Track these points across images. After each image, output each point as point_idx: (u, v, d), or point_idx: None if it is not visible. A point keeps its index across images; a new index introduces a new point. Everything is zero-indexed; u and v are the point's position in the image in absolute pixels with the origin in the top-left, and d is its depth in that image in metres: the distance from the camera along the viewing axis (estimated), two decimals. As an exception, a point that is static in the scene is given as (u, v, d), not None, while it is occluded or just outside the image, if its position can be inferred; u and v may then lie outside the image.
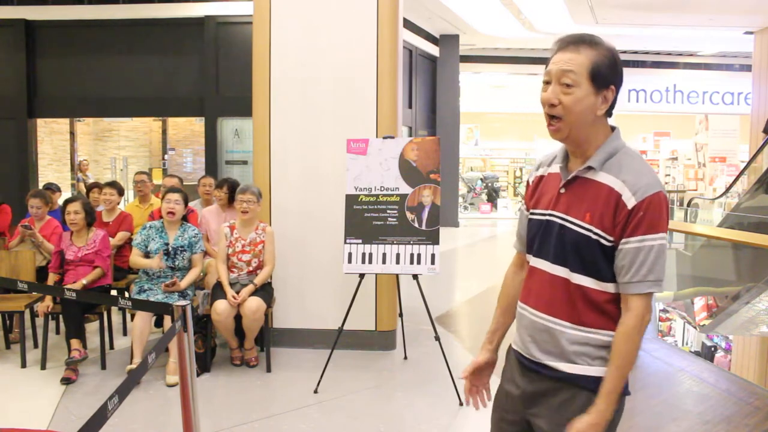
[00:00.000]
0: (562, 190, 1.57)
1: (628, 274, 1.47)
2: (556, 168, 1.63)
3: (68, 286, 3.95)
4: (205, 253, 5.11)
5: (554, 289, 1.56)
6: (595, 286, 1.51)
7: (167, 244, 4.29)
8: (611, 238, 1.48)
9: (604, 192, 1.49)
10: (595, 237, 1.49)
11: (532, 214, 1.66)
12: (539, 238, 1.61)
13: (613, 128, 1.58)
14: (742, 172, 9.38)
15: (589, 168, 1.53)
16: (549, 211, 1.59)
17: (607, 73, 1.49)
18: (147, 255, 4.29)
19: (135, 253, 4.32)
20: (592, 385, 1.51)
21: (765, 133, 9.44)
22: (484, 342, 1.77)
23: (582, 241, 1.51)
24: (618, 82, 1.52)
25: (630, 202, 1.46)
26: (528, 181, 1.74)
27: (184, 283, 4.26)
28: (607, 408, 1.47)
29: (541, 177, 1.68)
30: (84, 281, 4.23)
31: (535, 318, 1.60)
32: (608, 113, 1.55)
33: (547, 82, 1.54)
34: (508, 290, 1.78)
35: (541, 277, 1.60)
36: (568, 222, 1.54)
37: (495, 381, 1.77)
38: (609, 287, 1.51)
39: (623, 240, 1.47)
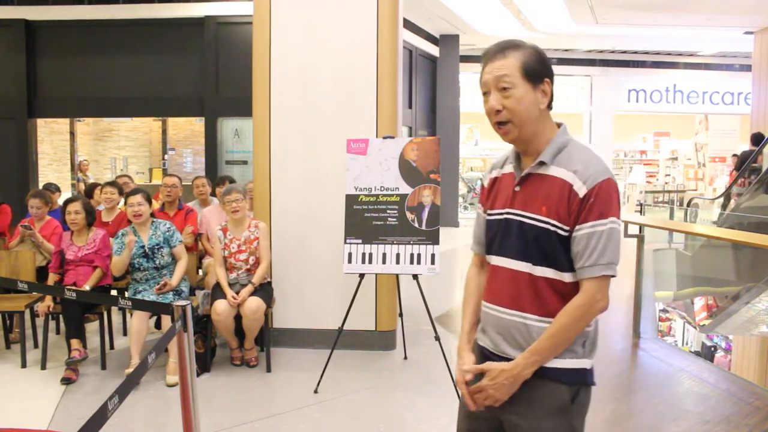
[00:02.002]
0: (517, 188, 1.63)
1: (582, 260, 1.53)
2: (509, 168, 1.69)
3: (69, 287, 3.95)
4: (206, 253, 5.12)
5: (518, 284, 1.60)
6: (556, 277, 1.56)
7: (143, 246, 4.26)
8: (567, 227, 1.54)
9: (557, 185, 1.55)
10: (553, 228, 1.54)
11: (489, 214, 1.70)
12: (499, 236, 1.66)
13: (559, 125, 1.64)
14: (742, 172, 9.38)
15: (541, 163, 1.59)
16: (506, 210, 1.64)
17: (538, 67, 1.57)
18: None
19: (114, 260, 4.26)
20: (564, 377, 1.56)
21: (736, 170, 9.66)
22: (463, 344, 1.74)
23: (541, 234, 1.56)
24: (550, 74, 1.59)
25: (581, 190, 1.52)
26: (483, 185, 1.79)
27: (175, 280, 4.25)
28: (525, 364, 1.55)
29: (496, 179, 1.73)
30: (87, 287, 4.24)
31: (502, 315, 1.63)
32: (549, 106, 1.62)
33: (485, 93, 1.61)
34: (474, 290, 1.79)
35: (504, 275, 1.63)
36: (527, 218, 1.59)
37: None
38: (568, 277, 1.56)
39: (576, 227, 1.53)
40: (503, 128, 1.60)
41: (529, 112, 1.57)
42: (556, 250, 1.55)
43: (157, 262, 4.26)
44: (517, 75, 1.55)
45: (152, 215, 4.43)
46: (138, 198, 4.27)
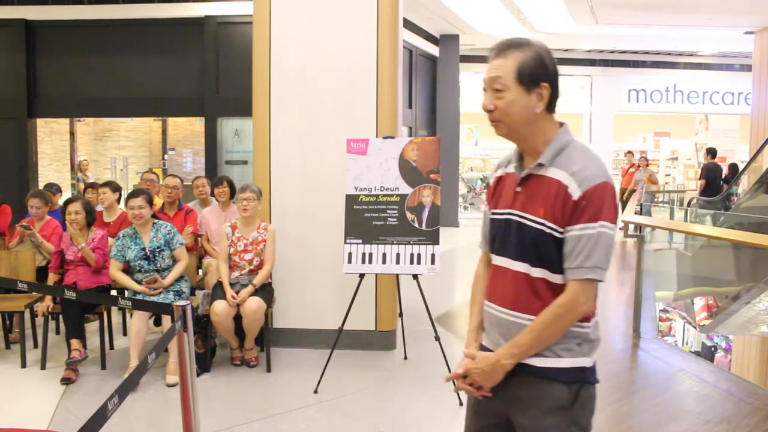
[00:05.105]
0: (518, 189, 1.64)
1: (568, 261, 1.54)
2: (511, 168, 1.70)
3: (69, 287, 3.95)
4: (206, 253, 5.12)
5: (518, 285, 1.61)
6: (551, 279, 1.57)
7: (144, 249, 4.24)
8: (562, 230, 1.55)
9: (554, 186, 1.56)
10: (549, 231, 1.55)
11: (493, 213, 1.72)
12: (500, 236, 1.67)
13: (561, 124, 1.64)
14: (742, 172, 9.39)
15: (540, 165, 1.59)
16: (508, 210, 1.65)
17: (535, 71, 1.55)
18: (127, 264, 4.24)
19: (114, 266, 4.24)
20: (562, 376, 1.58)
21: (701, 179, 10.92)
22: (469, 341, 1.76)
23: (539, 236, 1.57)
24: (550, 78, 1.57)
25: (576, 193, 1.52)
26: (489, 183, 1.80)
27: (167, 280, 4.22)
28: (504, 354, 1.58)
29: (500, 178, 1.74)
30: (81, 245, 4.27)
31: (502, 315, 1.65)
32: (551, 109, 1.61)
33: (484, 89, 1.62)
34: (482, 288, 1.79)
35: (505, 275, 1.65)
36: (525, 219, 1.60)
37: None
38: (560, 279, 1.57)
39: (567, 228, 1.54)
40: (494, 124, 1.62)
41: (520, 116, 1.57)
42: (551, 252, 1.56)
43: (158, 265, 4.25)
44: (511, 78, 1.55)
45: (154, 216, 4.43)
46: (138, 201, 4.23)
